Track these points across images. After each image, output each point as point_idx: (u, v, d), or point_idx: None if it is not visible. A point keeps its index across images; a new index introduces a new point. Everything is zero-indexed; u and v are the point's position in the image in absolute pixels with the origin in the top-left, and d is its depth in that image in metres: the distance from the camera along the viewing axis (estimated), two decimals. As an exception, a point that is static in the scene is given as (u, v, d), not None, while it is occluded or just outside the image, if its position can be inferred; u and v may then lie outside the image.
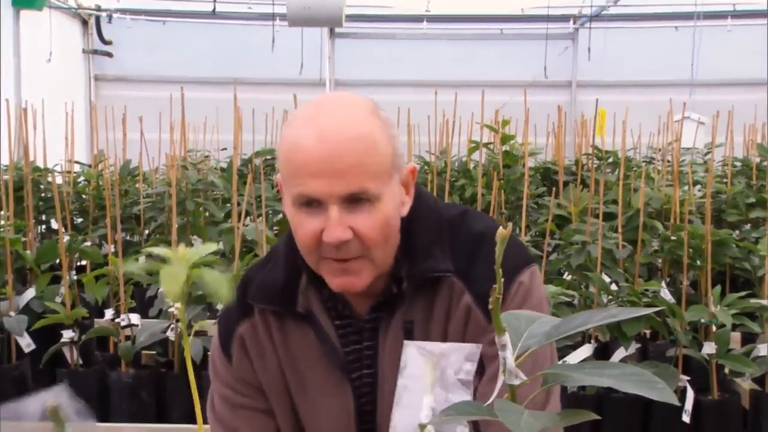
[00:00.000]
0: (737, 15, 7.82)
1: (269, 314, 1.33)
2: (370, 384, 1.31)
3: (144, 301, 3.49)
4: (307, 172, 1.17)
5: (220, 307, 2.60)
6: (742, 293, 2.94)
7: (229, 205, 3.97)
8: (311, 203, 1.20)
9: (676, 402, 0.72)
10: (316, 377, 1.32)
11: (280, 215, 3.99)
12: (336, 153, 1.17)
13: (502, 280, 1.13)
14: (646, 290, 3.01)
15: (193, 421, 1.42)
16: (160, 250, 0.85)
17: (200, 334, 2.94)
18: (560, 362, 2.70)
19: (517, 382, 0.81)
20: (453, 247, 1.30)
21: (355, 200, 1.19)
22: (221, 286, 0.82)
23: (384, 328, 1.28)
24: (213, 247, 0.88)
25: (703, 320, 2.88)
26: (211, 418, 1.41)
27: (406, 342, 0.79)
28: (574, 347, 2.90)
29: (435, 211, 1.34)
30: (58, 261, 3.45)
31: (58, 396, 0.73)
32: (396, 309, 1.28)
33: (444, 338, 1.25)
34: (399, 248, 1.27)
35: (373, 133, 1.20)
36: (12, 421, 0.70)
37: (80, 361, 3.13)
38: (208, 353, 1.48)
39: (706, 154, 5.50)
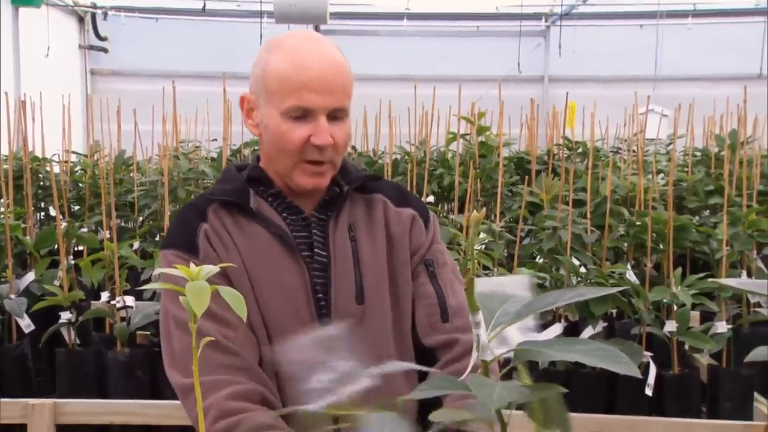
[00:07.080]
0: (697, 14, 7.87)
1: (223, 213, 1.47)
2: (322, 263, 1.47)
3: (138, 284, 3.46)
4: (309, 87, 1.39)
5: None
6: (701, 275, 2.96)
7: (219, 193, 3.92)
8: (304, 115, 1.40)
9: (638, 375, 0.72)
10: (273, 257, 1.44)
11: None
12: (332, 74, 1.41)
13: (428, 213, 1.59)
14: (613, 272, 3.03)
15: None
16: (173, 271, 0.84)
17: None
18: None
19: (490, 357, 0.81)
20: (380, 184, 1.57)
21: (334, 116, 1.42)
22: (239, 302, 0.82)
23: (333, 224, 1.50)
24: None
25: (665, 300, 2.90)
26: (173, 326, 1.39)
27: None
28: (545, 326, 2.91)
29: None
30: (56, 246, 3.41)
31: (338, 329, 0.93)
32: (340, 210, 1.50)
33: (389, 238, 1.52)
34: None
35: (348, 66, 1.46)
36: (315, 340, 0.90)
37: (77, 341, 3.10)
38: None
39: (669, 144, 5.53)
